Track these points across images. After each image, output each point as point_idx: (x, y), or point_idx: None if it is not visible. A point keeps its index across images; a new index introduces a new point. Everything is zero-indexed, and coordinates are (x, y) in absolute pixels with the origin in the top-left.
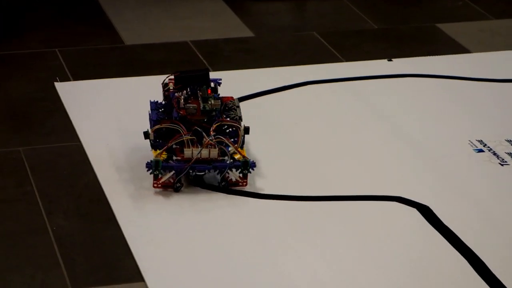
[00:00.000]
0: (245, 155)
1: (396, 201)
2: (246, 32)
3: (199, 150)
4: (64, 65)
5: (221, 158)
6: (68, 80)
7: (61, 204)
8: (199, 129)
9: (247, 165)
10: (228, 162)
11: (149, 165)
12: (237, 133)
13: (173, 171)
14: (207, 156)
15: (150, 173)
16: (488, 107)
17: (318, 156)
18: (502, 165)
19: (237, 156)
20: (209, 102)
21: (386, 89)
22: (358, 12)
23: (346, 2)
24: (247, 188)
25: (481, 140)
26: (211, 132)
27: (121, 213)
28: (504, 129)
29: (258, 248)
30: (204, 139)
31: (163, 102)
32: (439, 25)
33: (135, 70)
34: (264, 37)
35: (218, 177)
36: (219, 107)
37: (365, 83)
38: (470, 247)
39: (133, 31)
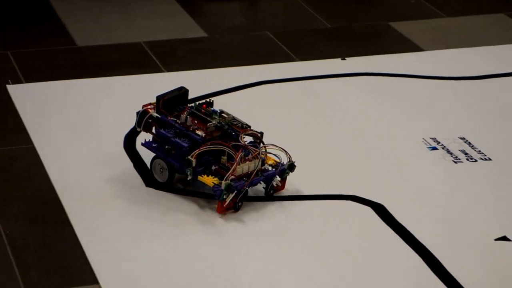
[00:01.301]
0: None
1: (351, 200)
2: (200, 33)
3: (254, 164)
4: (16, 68)
5: (263, 167)
6: (21, 82)
7: (14, 207)
8: (240, 143)
9: (292, 168)
10: (272, 169)
11: (219, 191)
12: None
13: (235, 191)
14: (259, 168)
15: (219, 199)
16: (441, 104)
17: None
18: (455, 162)
19: (271, 161)
20: (216, 117)
21: (340, 88)
22: (311, 11)
23: (298, 1)
24: (204, 190)
25: (435, 138)
26: (243, 143)
27: (75, 216)
28: (457, 126)
29: (212, 248)
30: (252, 152)
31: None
32: (392, 24)
33: (88, 71)
34: (217, 37)
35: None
36: (230, 119)
37: (319, 82)
38: (425, 244)
39: (85, 32)
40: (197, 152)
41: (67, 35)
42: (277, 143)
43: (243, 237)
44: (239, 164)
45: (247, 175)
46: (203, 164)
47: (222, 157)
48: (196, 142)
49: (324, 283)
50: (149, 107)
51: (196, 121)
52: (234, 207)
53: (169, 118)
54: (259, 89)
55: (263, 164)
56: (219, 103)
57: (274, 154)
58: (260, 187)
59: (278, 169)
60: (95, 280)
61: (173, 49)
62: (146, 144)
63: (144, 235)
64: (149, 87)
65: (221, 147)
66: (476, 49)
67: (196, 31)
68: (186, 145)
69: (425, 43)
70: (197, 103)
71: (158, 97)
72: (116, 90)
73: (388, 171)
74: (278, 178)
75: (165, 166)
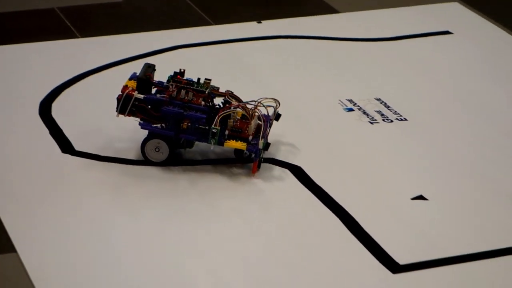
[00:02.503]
0: None
1: (269, 162)
2: None
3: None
4: None
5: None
6: None
7: None
8: (240, 105)
9: (278, 117)
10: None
11: (258, 150)
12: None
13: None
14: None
15: (258, 159)
16: (357, 66)
17: None
18: (371, 123)
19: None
20: (199, 85)
21: (257, 51)
22: None
23: None
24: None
25: (351, 99)
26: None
27: None
28: (373, 87)
29: (125, 217)
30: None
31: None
32: None
33: (1, 38)
34: (133, 2)
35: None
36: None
37: (236, 45)
38: (341, 204)
39: None
40: (218, 120)
41: None
42: None
43: (153, 199)
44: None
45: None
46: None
47: (229, 120)
48: (206, 112)
49: (246, 246)
50: (128, 90)
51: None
52: (259, 165)
53: (162, 95)
54: (177, 53)
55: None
56: (137, 68)
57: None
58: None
59: (272, 120)
60: (12, 249)
61: (88, 15)
62: (145, 126)
63: (63, 205)
64: (64, 53)
65: (241, 110)
66: (390, 10)
67: None
68: (204, 116)
69: (340, 5)
70: (170, 75)
71: (140, 78)
72: (31, 57)
73: (305, 133)
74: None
75: (162, 145)
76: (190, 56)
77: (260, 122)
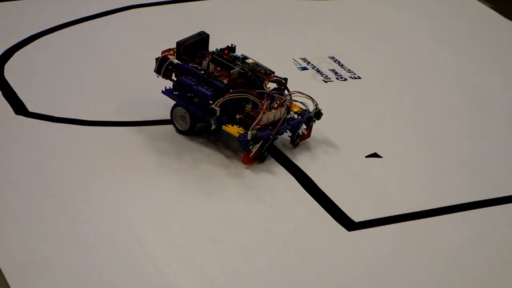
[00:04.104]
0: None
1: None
2: None
3: (280, 112)
4: None
5: (289, 116)
6: None
7: None
8: (265, 91)
9: (319, 115)
10: (298, 117)
11: (244, 141)
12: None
13: (261, 141)
14: (285, 116)
15: (245, 149)
16: (310, 25)
17: (145, 80)
18: (325, 81)
19: (296, 109)
20: (239, 63)
21: (211, 11)
22: None
23: None
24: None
25: (305, 58)
26: (268, 90)
27: None
28: (326, 46)
29: (81, 177)
30: (277, 100)
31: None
32: None
33: None
34: None
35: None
36: (255, 65)
37: (189, 5)
38: (298, 165)
39: None
40: (221, 101)
41: None
42: (148, 66)
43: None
44: (265, 113)
45: (273, 124)
46: (227, 113)
47: (247, 105)
48: (219, 90)
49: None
50: (168, 53)
51: (218, 68)
52: (260, 158)
53: (190, 65)
54: (129, 13)
55: (288, 112)
56: (88, 29)
57: (301, 102)
58: (286, 136)
59: (304, 117)
60: None
61: None
62: (166, 92)
63: (17, 164)
64: (15, 15)
65: (246, 95)
66: None
67: None
68: (210, 93)
69: None
70: (218, 48)
71: (178, 43)
72: None
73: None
74: (304, 126)
75: (187, 115)
76: (143, 16)
77: (291, 116)
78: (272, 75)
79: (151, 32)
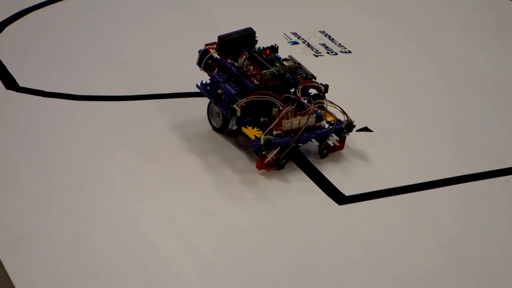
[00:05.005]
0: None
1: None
2: None
3: (305, 120)
4: None
5: (318, 124)
6: None
7: None
8: (292, 96)
9: (350, 127)
10: (329, 127)
11: (257, 146)
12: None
13: (278, 148)
14: (313, 124)
15: (257, 154)
16: None
17: (136, 53)
18: (316, 56)
19: (330, 118)
20: (277, 64)
21: None
22: None
23: None
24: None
25: (295, 33)
26: (298, 95)
27: None
28: (317, 20)
29: (71, 152)
30: (306, 106)
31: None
32: None
33: None
34: None
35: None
36: (293, 68)
37: None
38: None
39: None
40: (243, 101)
41: None
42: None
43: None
44: (287, 119)
45: (297, 131)
46: (251, 114)
47: (274, 109)
48: (248, 90)
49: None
50: (211, 46)
51: (251, 67)
52: (277, 165)
53: (226, 60)
54: None
55: (319, 120)
56: (77, 4)
57: (340, 110)
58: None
59: (333, 127)
60: None
61: None
62: (200, 86)
63: (7, 139)
64: None
65: (269, 98)
66: None
67: None
68: (234, 92)
69: None
70: (260, 47)
71: (219, 37)
72: None
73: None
74: (335, 137)
75: (220, 112)
76: None
77: (321, 125)
78: (311, 80)
79: (140, 6)
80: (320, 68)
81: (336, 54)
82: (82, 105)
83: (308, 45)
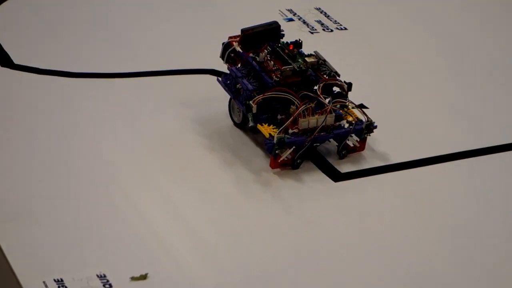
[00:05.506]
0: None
1: (209, 73)
2: None
3: (323, 119)
4: None
5: (338, 124)
6: None
7: None
8: (311, 94)
9: (370, 128)
10: (348, 127)
11: (270, 145)
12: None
13: (293, 147)
14: (332, 124)
15: (270, 153)
16: None
17: (130, 31)
18: (312, 33)
19: (350, 118)
20: (299, 60)
21: None
22: None
23: None
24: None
25: (291, 9)
26: (321, 96)
27: None
28: None
29: (68, 130)
30: (325, 105)
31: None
32: None
33: None
34: None
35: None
36: (315, 64)
37: None
38: None
39: None
40: (260, 98)
41: None
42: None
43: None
44: (304, 117)
45: (314, 130)
46: (269, 111)
47: (292, 106)
48: (266, 86)
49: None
50: (235, 39)
51: (275, 62)
52: (292, 164)
53: (248, 54)
54: None
55: (339, 120)
56: None
57: (361, 111)
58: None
59: (353, 127)
60: None
61: None
62: (221, 80)
63: (3, 116)
64: None
65: (286, 95)
66: None
67: None
68: (251, 88)
69: None
70: (284, 41)
71: (242, 30)
72: None
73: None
74: (355, 138)
75: (240, 109)
76: None
77: (341, 124)
78: (334, 78)
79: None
80: (316, 45)
81: (331, 31)
82: (76, 82)
83: (304, 22)
